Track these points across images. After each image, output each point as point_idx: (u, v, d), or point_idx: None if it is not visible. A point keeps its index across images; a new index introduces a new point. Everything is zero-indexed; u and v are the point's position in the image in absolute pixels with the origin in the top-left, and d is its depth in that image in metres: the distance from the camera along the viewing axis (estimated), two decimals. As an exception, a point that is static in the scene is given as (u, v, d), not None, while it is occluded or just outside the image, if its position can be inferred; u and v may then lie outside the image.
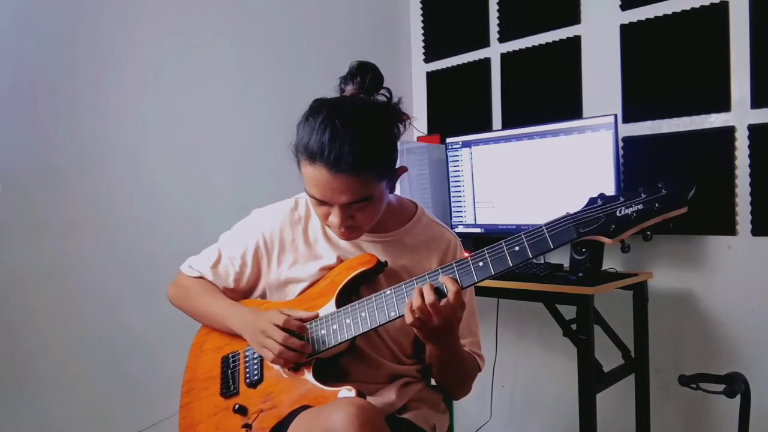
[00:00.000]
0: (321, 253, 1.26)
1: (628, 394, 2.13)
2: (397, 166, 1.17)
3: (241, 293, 1.32)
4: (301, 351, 1.14)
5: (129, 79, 2.00)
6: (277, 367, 1.20)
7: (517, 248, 1.04)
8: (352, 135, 1.06)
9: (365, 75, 1.17)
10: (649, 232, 0.99)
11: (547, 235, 1.02)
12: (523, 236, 1.04)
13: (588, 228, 1.00)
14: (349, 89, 1.18)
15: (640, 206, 0.98)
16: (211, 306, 1.28)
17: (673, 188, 0.97)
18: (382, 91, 1.19)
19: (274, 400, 1.17)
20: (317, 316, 1.18)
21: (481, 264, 1.06)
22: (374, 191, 1.11)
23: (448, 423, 1.34)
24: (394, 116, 1.17)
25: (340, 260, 1.25)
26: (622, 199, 0.99)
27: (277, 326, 1.14)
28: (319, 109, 1.10)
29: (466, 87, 2.73)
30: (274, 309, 1.20)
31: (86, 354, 1.91)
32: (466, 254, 1.12)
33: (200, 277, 1.33)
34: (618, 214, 0.99)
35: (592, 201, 1.02)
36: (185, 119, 2.14)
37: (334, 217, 1.12)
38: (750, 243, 1.96)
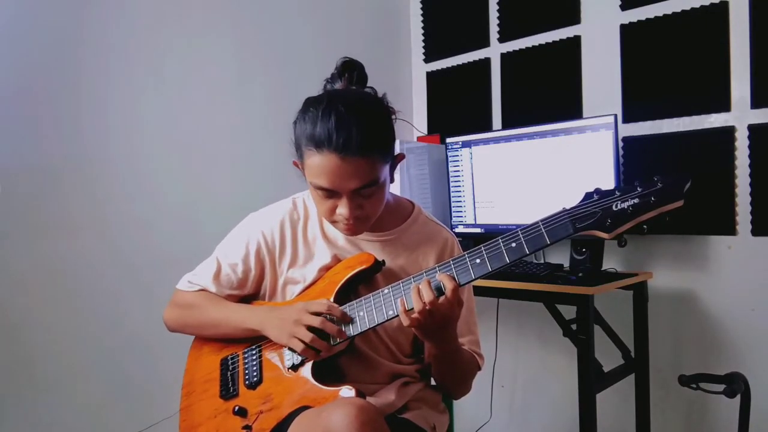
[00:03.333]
0: (320, 253, 1.26)
1: (628, 394, 2.13)
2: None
3: (243, 299, 1.30)
4: (334, 336, 1.12)
5: (129, 79, 2.00)
6: (274, 369, 1.20)
7: (514, 244, 1.04)
8: (356, 118, 1.07)
9: (352, 71, 1.19)
10: (645, 226, 0.99)
11: (543, 230, 1.02)
12: (519, 232, 1.04)
13: (584, 223, 1.00)
14: (338, 86, 1.20)
15: (636, 200, 0.98)
16: (223, 312, 1.25)
17: (669, 182, 0.97)
18: (367, 88, 1.21)
19: (273, 401, 1.17)
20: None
21: (478, 261, 1.06)
22: (380, 174, 1.12)
23: (448, 423, 1.34)
24: (388, 105, 1.19)
25: (337, 260, 1.25)
26: (618, 193, 1.00)
27: (314, 313, 1.13)
28: (319, 99, 1.11)
29: (466, 87, 2.73)
30: (287, 305, 1.20)
31: (86, 354, 1.91)
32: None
33: (201, 291, 1.30)
34: (614, 208, 0.99)
35: (588, 196, 1.02)
36: (185, 119, 2.14)
37: (343, 208, 1.11)
38: (750, 243, 1.96)
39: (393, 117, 1.19)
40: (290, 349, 1.16)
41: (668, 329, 2.15)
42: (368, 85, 1.22)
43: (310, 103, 1.12)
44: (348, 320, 1.14)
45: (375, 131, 1.09)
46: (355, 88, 1.19)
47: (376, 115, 1.12)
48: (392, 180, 1.21)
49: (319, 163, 1.08)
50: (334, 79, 1.20)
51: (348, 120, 1.06)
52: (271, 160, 2.11)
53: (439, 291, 1.06)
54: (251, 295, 1.31)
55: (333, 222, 1.18)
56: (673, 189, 0.97)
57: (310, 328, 1.12)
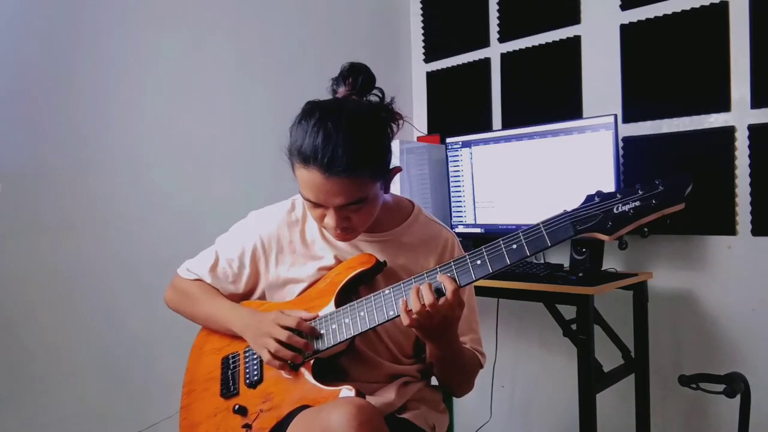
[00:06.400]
0: (319, 254, 1.26)
1: (628, 394, 2.13)
2: (391, 166, 1.17)
3: (240, 296, 1.32)
4: (302, 350, 1.14)
5: (129, 79, 2.00)
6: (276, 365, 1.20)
7: (514, 246, 1.04)
8: (344, 137, 1.06)
9: (357, 76, 1.17)
10: (646, 229, 0.99)
11: (544, 232, 1.02)
12: (520, 234, 1.04)
13: (585, 225, 1.00)
14: (342, 91, 1.18)
15: (637, 203, 0.98)
16: (211, 308, 1.28)
17: (670, 185, 0.97)
18: (375, 92, 1.19)
19: (273, 401, 1.17)
20: (317, 316, 1.18)
21: (479, 262, 1.06)
22: (369, 193, 1.11)
23: (448, 423, 1.34)
24: (387, 117, 1.16)
25: (338, 260, 1.25)
26: (619, 196, 1.00)
27: (283, 326, 1.14)
28: (312, 111, 1.10)
29: (466, 87, 2.73)
30: (275, 309, 1.21)
31: (86, 354, 1.91)
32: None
33: (198, 280, 1.32)
34: (615, 211, 0.99)
35: (589, 198, 1.02)
36: (185, 119, 2.14)
37: (330, 219, 1.12)
38: (750, 243, 1.96)
39: (400, 122, 1.18)
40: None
41: (668, 329, 2.15)
42: (376, 86, 1.20)
43: (305, 112, 1.11)
44: (317, 335, 1.15)
45: (363, 151, 1.08)
46: (355, 98, 1.17)
47: (366, 134, 1.10)
48: (387, 191, 1.21)
49: (306, 177, 1.08)
50: (338, 83, 1.19)
51: (335, 138, 1.05)
52: (271, 161, 2.09)
53: (439, 292, 1.06)
54: (248, 293, 1.32)
55: (323, 228, 1.19)
56: (674, 192, 0.97)
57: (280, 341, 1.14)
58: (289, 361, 1.14)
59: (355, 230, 1.17)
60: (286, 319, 1.15)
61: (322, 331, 1.16)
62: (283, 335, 1.13)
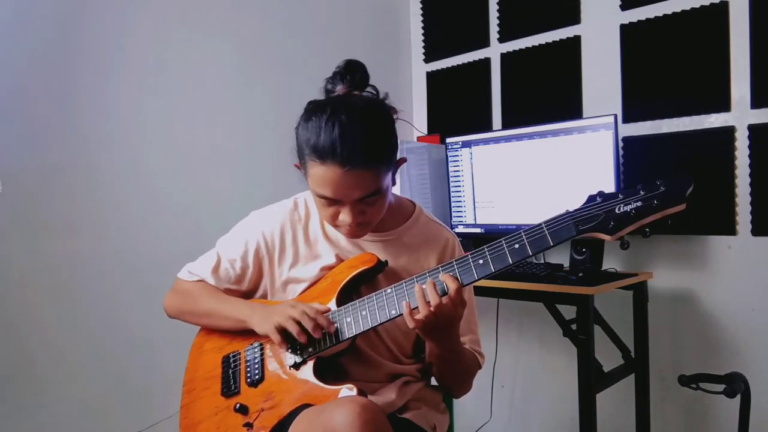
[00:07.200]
0: (321, 253, 1.26)
1: (628, 394, 2.13)
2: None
3: (242, 295, 1.31)
4: (311, 332, 1.11)
5: (129, 79, 2.00)
6: (276, 367, 1.20)
7: (517, 246, 1.04)
8: (361, 130, 1.06)
9: (354, 73, 1.17)
10: (647, 229, 1.00)
11: (546, 232, 1.02)
12: (523, 234, 1.04)
13: (587, 225, 1.01)
14: (340, 88, 1.17)
15: (639, 203, 0.99)
16: (215, 304, 1.27)
17: (672, 185, 0.98)
18: (369, 89, 1.19)
19: (275, 399, 1.17)
20: (329, 309, 1.18)
21: (481, 261, 1.06)
22: (383, 183, 1.12)
23: (448, 423, 1.34)
24: (390, 109, 1.17)
25: (339, 259, 1.25)
26: (620, 196, 1.00)
27: (300, 310, 1.13)
28: (322, 107, 1.10)
29: (466, 87, 2.73)
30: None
31: (86, 354, 1.91)
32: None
33: (200, 281, 1.31)
34: (617, 211, 1.00)
35: (591, 198, 1.02)
36: (185, 119, 2.14)
37: (346, 216, 1.12)
38: (750, 243, 1.96)
39: (396, 116, 1.19)
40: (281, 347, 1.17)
41: (668, 329, 2.16)
42: (369, 83, 1.20)
43: (312, 110, 1.11)
44: (331, 330, 1.14)
45: (379, 142, 1.09)
46: (357, 93, 1.17)
47: (380, 125, 1.11)
48: (394, 183, 1.21)
49: (323, 174, 1.08)
50: (335, 80, 1.19)
51: (352, 131, 1.06)
52: (272, 161, 2.11)
53: (442, 292, 1.06)
54: (250, 291, 1.32)
55: (335, 226, 1.19)
56: (676, 192, 0.98)
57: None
58: (297, 345, 1.13)
59: (369, 224, 1.17)
60: (299, 304, 1.15)
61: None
62: (296, 313, 1.12)
